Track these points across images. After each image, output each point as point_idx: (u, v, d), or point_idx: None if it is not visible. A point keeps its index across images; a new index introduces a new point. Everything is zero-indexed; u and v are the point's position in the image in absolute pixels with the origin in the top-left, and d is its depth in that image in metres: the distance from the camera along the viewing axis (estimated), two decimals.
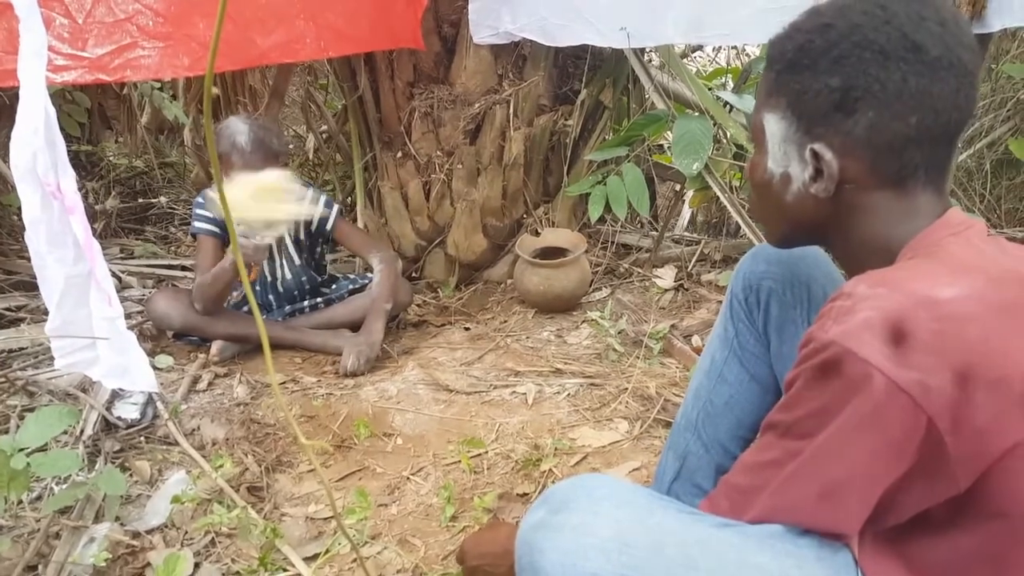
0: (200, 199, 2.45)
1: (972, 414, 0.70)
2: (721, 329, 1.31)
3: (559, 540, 0.83)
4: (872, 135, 0.84)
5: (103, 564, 1.40)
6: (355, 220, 3.11)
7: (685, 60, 3.70)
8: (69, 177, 1.33)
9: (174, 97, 3.77)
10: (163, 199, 4.25)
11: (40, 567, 1.41)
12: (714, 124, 2.47)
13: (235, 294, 2.53)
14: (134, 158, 4.57)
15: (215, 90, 3.26)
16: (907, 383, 0.70)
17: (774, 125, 0.92)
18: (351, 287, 2.70)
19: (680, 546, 0.81)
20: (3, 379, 1.94)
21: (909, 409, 0.70)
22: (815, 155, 0.87)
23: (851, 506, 0.78)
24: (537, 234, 2.88)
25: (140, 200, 4.21)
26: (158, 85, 3.55)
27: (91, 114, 3.86)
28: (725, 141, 2.58)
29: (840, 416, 0.74)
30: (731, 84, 3.69)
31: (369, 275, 2.64)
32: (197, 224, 2.42)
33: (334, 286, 2.72)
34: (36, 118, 1.30)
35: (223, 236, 2.43)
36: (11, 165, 1.36)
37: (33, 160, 1.32)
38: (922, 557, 0.81)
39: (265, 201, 1.99)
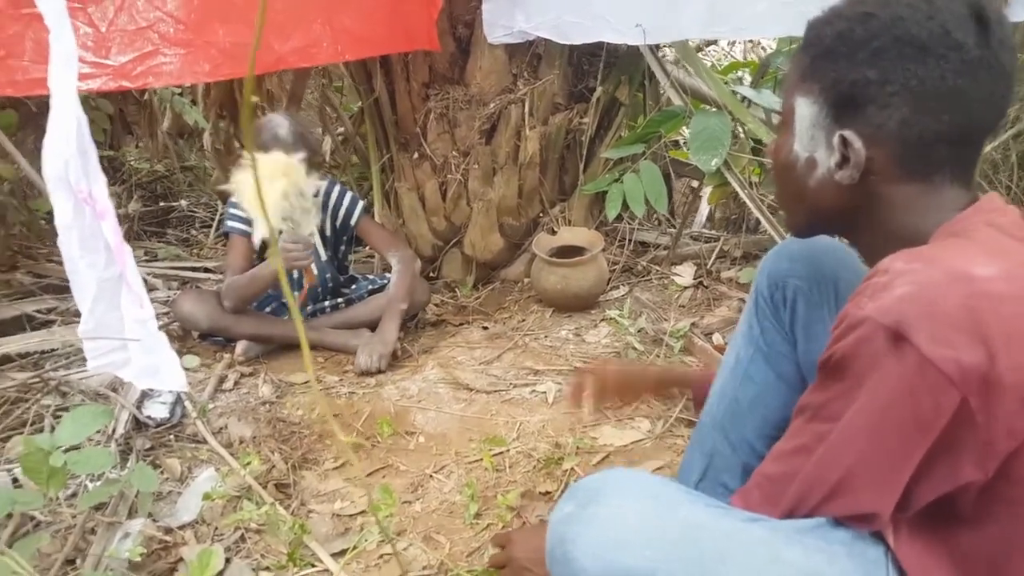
0: (234, 198, 2.49)
1: (1003, 395, 0.69)
2: (746, 327, 1.31)
3: (590, 531, 0.84)
4: (903, 130, 0.83)
5: (138, 558, 1.44)
6: (372, 217, 3.14)
7: (699, 54, 3.70)
8: (100, 183, 1.36)
9: (193, 102, 3.82)
10: (184, 202, 4.30)
11: (78, 561, 1.45)
12: (732, 119, 2.47)
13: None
14: (155, 162, 4.64)
15: (255, 98, 3.30)
16: (941, 359, 0.69)
17: (805, 109, 0.92)
18: (371, 287, 2.73)
19: (709, 539, 0.82)
20: (37, 379, 1.98)
21: (942, 386, 0.69)
22: (844, 142, 0.87)
23: (881, 484, 0.77)
24: (554, 233, 2.90)
25: (161, 204, 4.27)
26: (178, 90, 3.60)
27: (112, 120, 3.91)
28: (743, 136, 2.58)
29: (871, 392, 0.74)
30: (747, 78, 3.69)
31: (388, 275, 2.68)
32: (230, 223, 2.46)
33: (354, 286, 2.76)
34: (67, 126, 1.33)
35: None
36: (43, 173, 1.39)
37: (65, 168, 1.35)
38: (961, 545, 0.80)
39: (276, 178, 2.00)
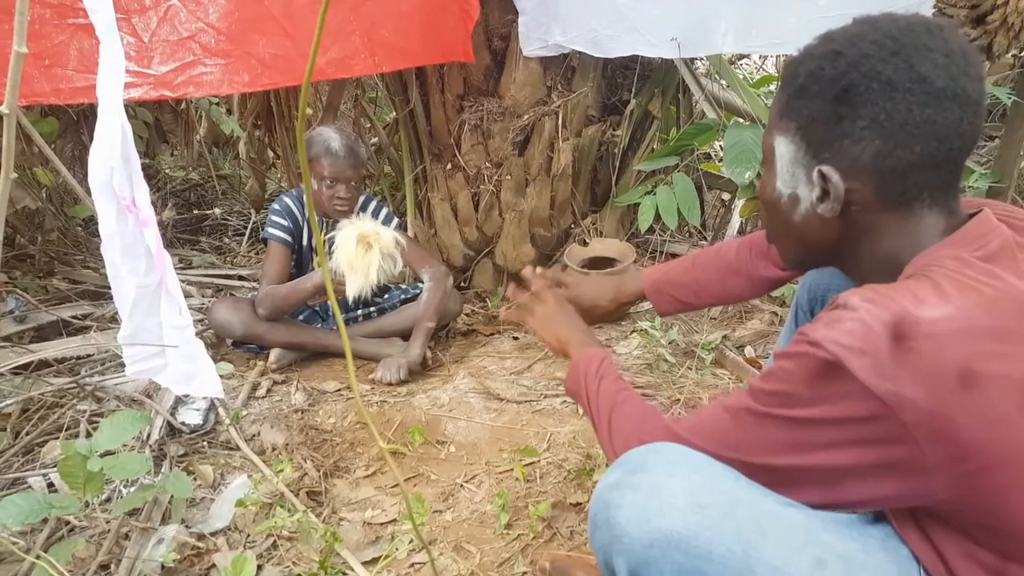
0: (276, 206, 2.52)
1: (951, 429, 0.73)
2: (786, 341, 1.31)
3: (635, 497, 0.86)
4: (877, 161, 0.86)
5: (171, 564, 1.45)
6: (405, 231, 3.16)
7: (731, 68, 3.68)
8: (143, 191, 1.39)
9: (229, 111, 3.87)
10: (217, 211, 4.36)
11: (112, 566, 1.46)
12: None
13: None
14: (190, 170, 4.71)
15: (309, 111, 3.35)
16: (881, 391, 0.73)
17: (783, 147, 0.95)
18: (403, 296, 2.74)
19: (751, 514, 0.83)
20: (73, 384, 2.01)
21: (881, 413, 0.74)
22: (822, 176, 0.90)
23: (805, 489, 0.84)
24: (585, 244, 2.89)
25: (195, 212, 4.33)
26: (215, 100, 3.66)
27: (149, 128, 3.98)
28: None
29: (812, 409, 0.79)
30: None
31: (420, 284, 2.69)
32: (270, 230, 2.49)
33: (386, 296, 2.77)
34: (113, 135, 1.35)
35: (293, 246, 2.50)
36: (89, 180, 1.42)
37: (110, 175, 1.38)
38: (964, 547, 0.82)
39: (367, 250, 2.14)
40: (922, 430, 0.73)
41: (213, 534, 1.60)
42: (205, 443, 1.92)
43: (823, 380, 0.77)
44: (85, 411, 1.94)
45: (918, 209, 0.88)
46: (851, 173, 0.88)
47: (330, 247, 2.21)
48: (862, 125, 0.86)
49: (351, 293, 2.17)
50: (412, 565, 1.52)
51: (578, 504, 1.69)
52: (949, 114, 0.83)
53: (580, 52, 2.63)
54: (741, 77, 3.70)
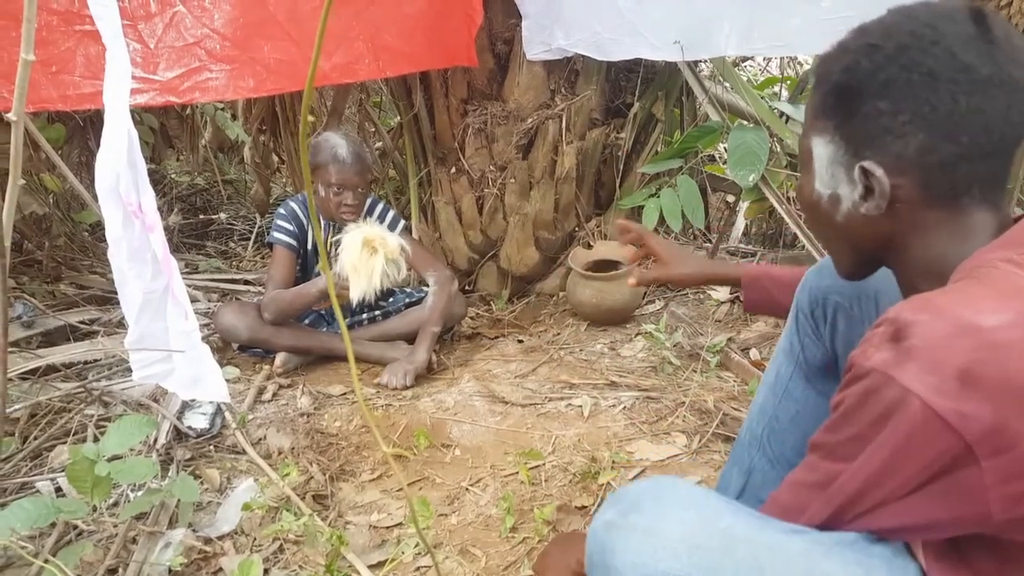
0: (281, 210, 2.53)
1: (1013, 443, 0.69)
2: (787, 344, 1.30)
3: (630, 540, 0.84)
4: (923, 155, 0.83)
5: (178, 568, 1.46)
6: (410, 234, 3.17)
7: (735, 70, 3.68)
8: (149, 196, 1.40)
9: (234, 116, 3.89)
10: (223, 215, 4.38)
11: (120, 570, 1.47)
12: (769, 135, 2.45)
13: None
14: (195, 175, 4.73)
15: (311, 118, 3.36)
16: (945, 411, 0.69)
17: (821, 148, 0.92)
18: (407, 300, 2.75)
19: (750, 550, 0.81)
20: (81, 389, 2.02)
21: (946, 436, 0.70)
22: (865, 172, 0.86)
23: (883, 521, 0.79)
24: (589, 247, 2.90)
25: (200, 216, 4.35)
26: (220, 105, 3.68)
27: (155, 133, 4.00)
28: (780, 151, 2.56)
29: (877, 441, 0.74)
30: (784, 93, 3.67)
31: (424, 288, 2.69)
32: (276, 235, 2.50)
33: (391, 299, 2.78)
34: (120, 140, 1.36)
35: (298, 251, 2.51)
36: (96, 185, 1.42)
37: (116, 180, 1.39)
38: (990, 572, 0.79)
39: (372, 254, 2.16)
40: (985, 448, 0.69)
41: (220, 538, 1.61)
42: (212, 447, 1.93)
43: (884, 409, 0.72)
44: (92, 416, 1.95)
45: (967, 204, 0.84)
46: (896, 169, 0.84)
47: (335, 250, 2.22)
48: (904, 120, 0.82)
49: (355, 296, 2.18)
50: (418, 569, 1.52)
51: (583, 507, 1.69)
52: (996, 102, 0.80)
53: (583, 55, 2.64)
54: (745, 79, 3.70)
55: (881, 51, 0.83)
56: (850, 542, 0.82)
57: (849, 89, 0.86)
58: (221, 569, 1.52)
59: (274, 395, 2.28)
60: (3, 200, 1.26)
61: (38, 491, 1.65)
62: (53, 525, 1.50)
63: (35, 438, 1.84)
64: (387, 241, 2.19)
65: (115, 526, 1.57)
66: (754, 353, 2.40)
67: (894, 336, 0.73)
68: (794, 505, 0.86)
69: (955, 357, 0.70)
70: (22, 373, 2.08)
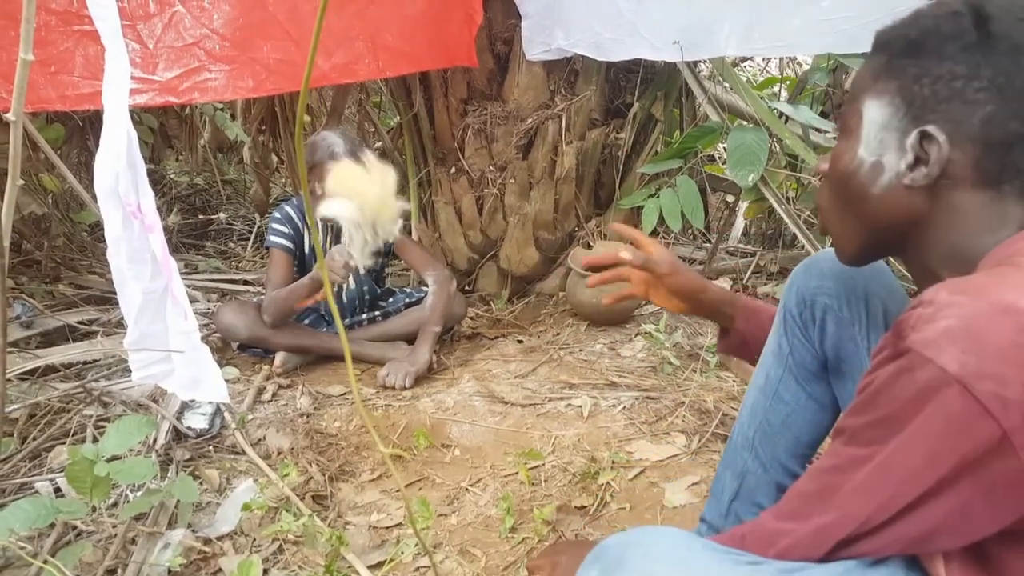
0: (277, 214, 2.53)
1: None
2: (775, 345, 1.27)
3: None
4: (986, 128, 0.80)
5: (178, 568, 1.45)
6: (409, 234, 3.17)
7: (735, 70, 3.68)
8: (148, 197, 1.39)
9: (233, 117, 3.89)
10: (222, 215, 4.38)
11: (119, 570, 1.46)
12: (769, 135, 2.45)
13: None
14: (194, 175, 4.73)
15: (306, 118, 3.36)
16: (983, 394, 0.66)
17: (875, 111, 0.88)
18: (407, 300, 2.75)
19: None
20: (80, 390, 2.02)
21: (984, 421, 0.67)
22: (925, 137, 0.83)
23: (920, 521, 0.74)
24: (589, 247, 2.90)
25: (200, 216, 4.35)
26: (220, 105, 3.68)
27: (154, 133, 4.01)
28: (779, 151, 2.57)
29: (912, 425, 0.71)
30: (783, 94, 3.67)
31: (424, 288, 2.69)
32: (272, 238, 2.50)
33: (391, 299, 2.78)
34: (119, 141, 1.36)
35: (295, 253, 2.51)
36: (95, 186, 1.42)
37: (115, 181, 1.39)
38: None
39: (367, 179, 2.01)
40: (1021, 436, 0.66)
41: (219, 538, 1.60)
42: (211, 447, 1.93)
43: (919, 391, 0.69)
44: (91, 416, 1.95)
45: (1008, 193, 0.82)
46: (954, 139, 0.82)
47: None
48: (978, 86, 0.79)
49: (344, 214, 1.99)
50: (417, 569, 1.52)
51: (583, 507, 1.69)
52: None
53: (583, 56, 2.63)
54: (744, 79, 3.70)
55: (965, 18, 0.81)
56: (849, 570, 0.79)
57: (926, 50, 0.84)
58: (220, 569, 1.52)
59: (273, 395, 2.28)
60: (2, 200, 1.26)
61: (37, 491, 1.65)
62: (52, 525, 1.50)
63: (34, 438, 1.83)
64: (380, 169, 2.03)
65: (114, 526, 1.56)
66: None
67: (931, 317, 0.70)
68: (814, 491, 0.83)
69: (997, 338, 0.67)
70: (21, 373, 2.08)
